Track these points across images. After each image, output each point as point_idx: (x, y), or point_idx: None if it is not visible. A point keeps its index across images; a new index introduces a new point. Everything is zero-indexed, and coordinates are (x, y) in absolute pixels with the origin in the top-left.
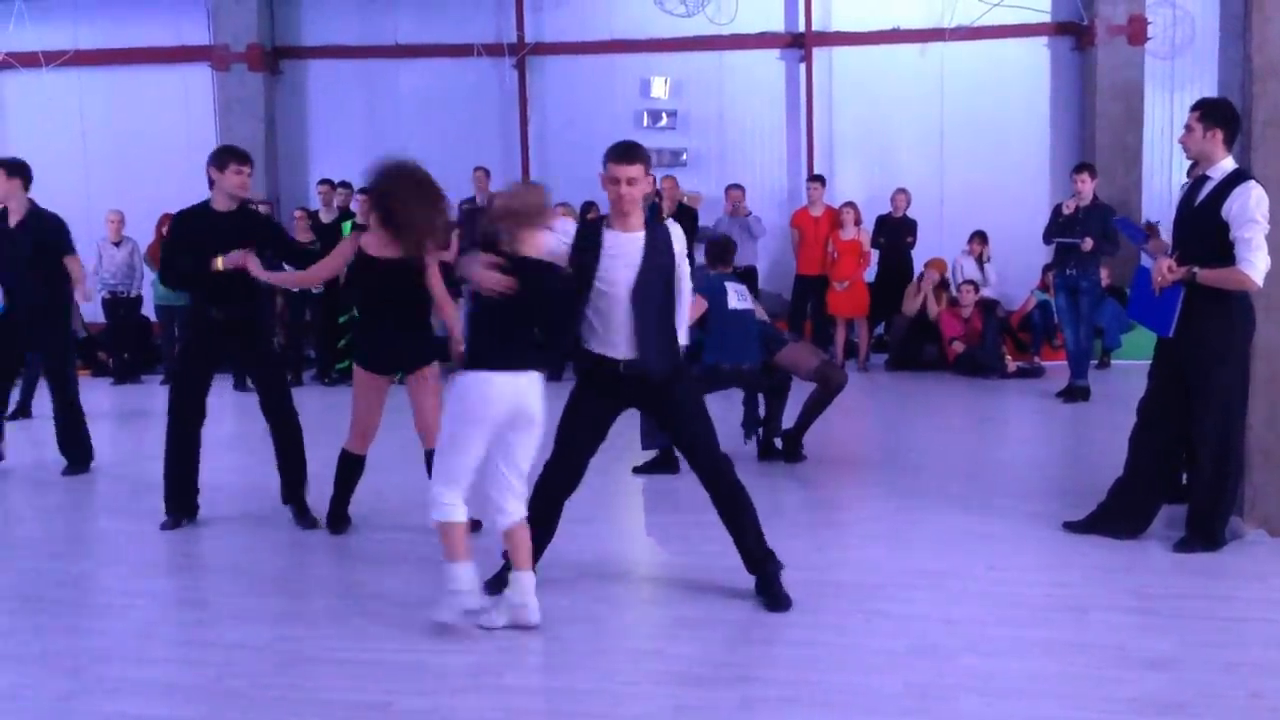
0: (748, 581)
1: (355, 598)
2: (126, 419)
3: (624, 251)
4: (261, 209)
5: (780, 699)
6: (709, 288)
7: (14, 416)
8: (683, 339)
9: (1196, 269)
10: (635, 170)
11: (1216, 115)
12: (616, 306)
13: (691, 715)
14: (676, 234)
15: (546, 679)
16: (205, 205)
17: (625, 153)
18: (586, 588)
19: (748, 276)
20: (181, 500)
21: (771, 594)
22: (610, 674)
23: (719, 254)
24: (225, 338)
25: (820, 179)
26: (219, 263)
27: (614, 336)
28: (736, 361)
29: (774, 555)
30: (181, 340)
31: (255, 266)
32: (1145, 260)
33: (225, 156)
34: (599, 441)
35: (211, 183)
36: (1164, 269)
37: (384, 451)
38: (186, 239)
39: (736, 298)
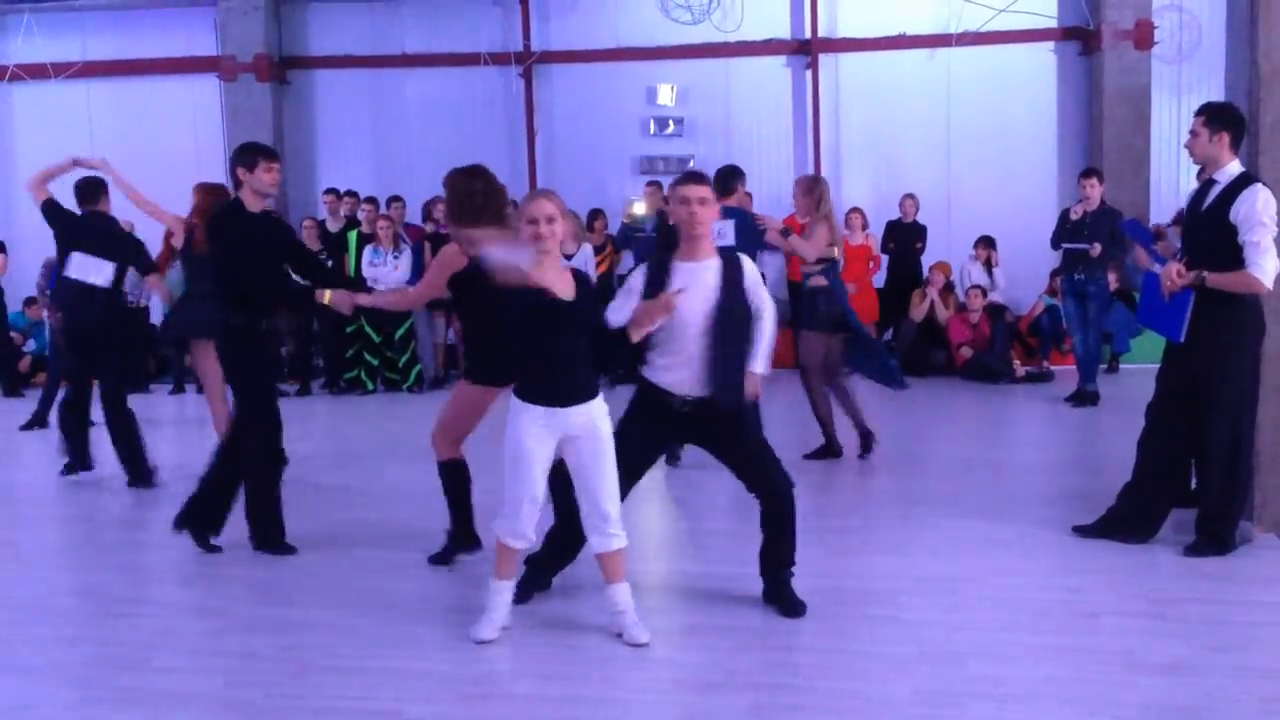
0: (757, 589)
1: (365, 606)
2: None
3: (699, 281)
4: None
5: (790, 706)
6: None
7: (29, 426)
8: (762, 369)
9: (1206, 273)
10: (704, 190)
11: (1222, 118)
12: (688, 339)
13: None
14: (748, 264)
15: (555, 687)
16: (239, 206)
17: (692, 175)
18: (596, 596)
19: None
20: (279, 535)
21: (785, 600)
22: (619, 682)
23: (717, 181)
24: (267, 349)
25: None
26: (326, 297)
27: (682, 371)
28: None
29: (793, 566)
30: (242, 362)
31: (364, 299)
32: (1155, 266)
33: (254, 154)
34: (645, 472)
35: (239, 184)
36: (1173, 274)
37: (392, 461)
38: (235, 242)
39: (716, 237)
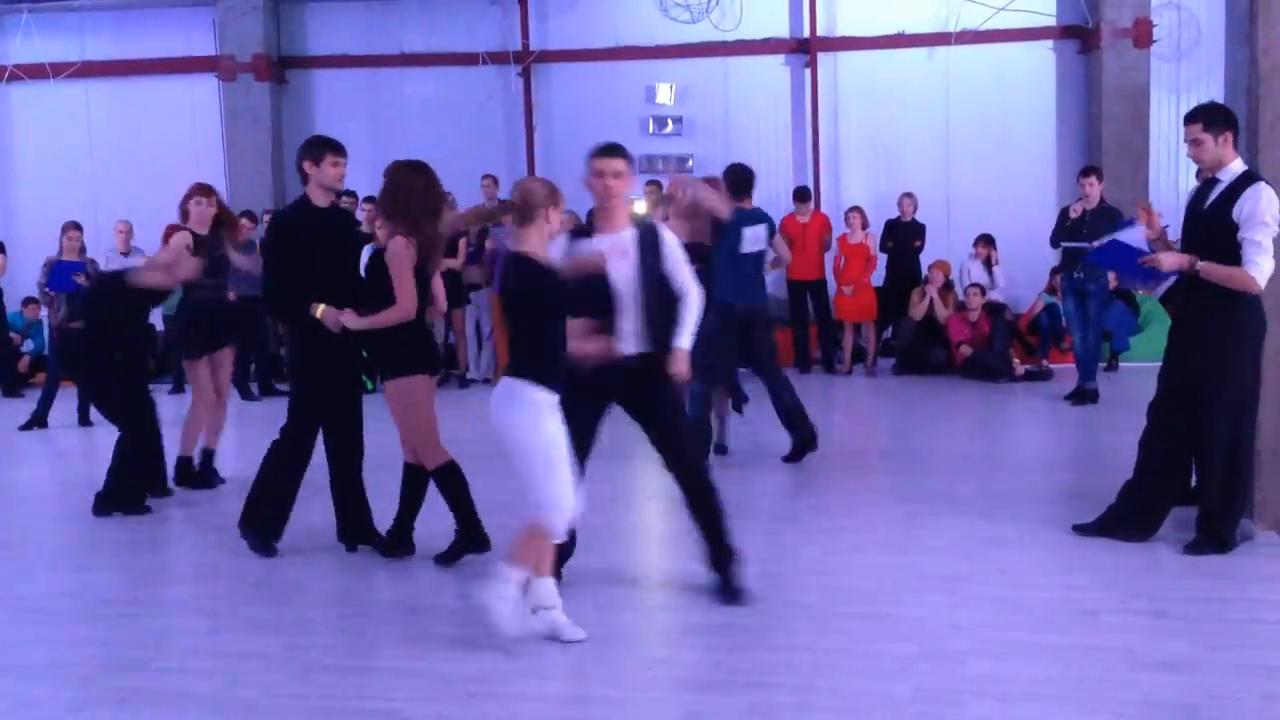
0: (757, 588)
1: (364, 606)
2: None
3: (617, 247)
4: (268, 218)
5: (790, 705)
6: (725, 228)
7: (28, 426)
8: (686, 343)
9: (1199, 261)
10: (619, 164)
11: (1222, 119)
12: (620, 305)
13: None
14: (668, 235)
15: (555, 686)
16: (305, 203)
17: (607, 148)
18: (595, 595)
19: None
20: (279, 529)
21: (730, 591)
22: (620, 681)
23: (739, 184)
24: (343, 349)
25: (805, 196)
26: (319, 310)
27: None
28: (749, 301)
29: (736, 554)
30: (305, 361)
31: (352, 319)
32: (1122, 235)
33: (321, 148)
34: (593, 444)
35: (306, 178)
36: (1167, 259)
37: (391, 460)
38: (294, 241)
39: (750, 241)
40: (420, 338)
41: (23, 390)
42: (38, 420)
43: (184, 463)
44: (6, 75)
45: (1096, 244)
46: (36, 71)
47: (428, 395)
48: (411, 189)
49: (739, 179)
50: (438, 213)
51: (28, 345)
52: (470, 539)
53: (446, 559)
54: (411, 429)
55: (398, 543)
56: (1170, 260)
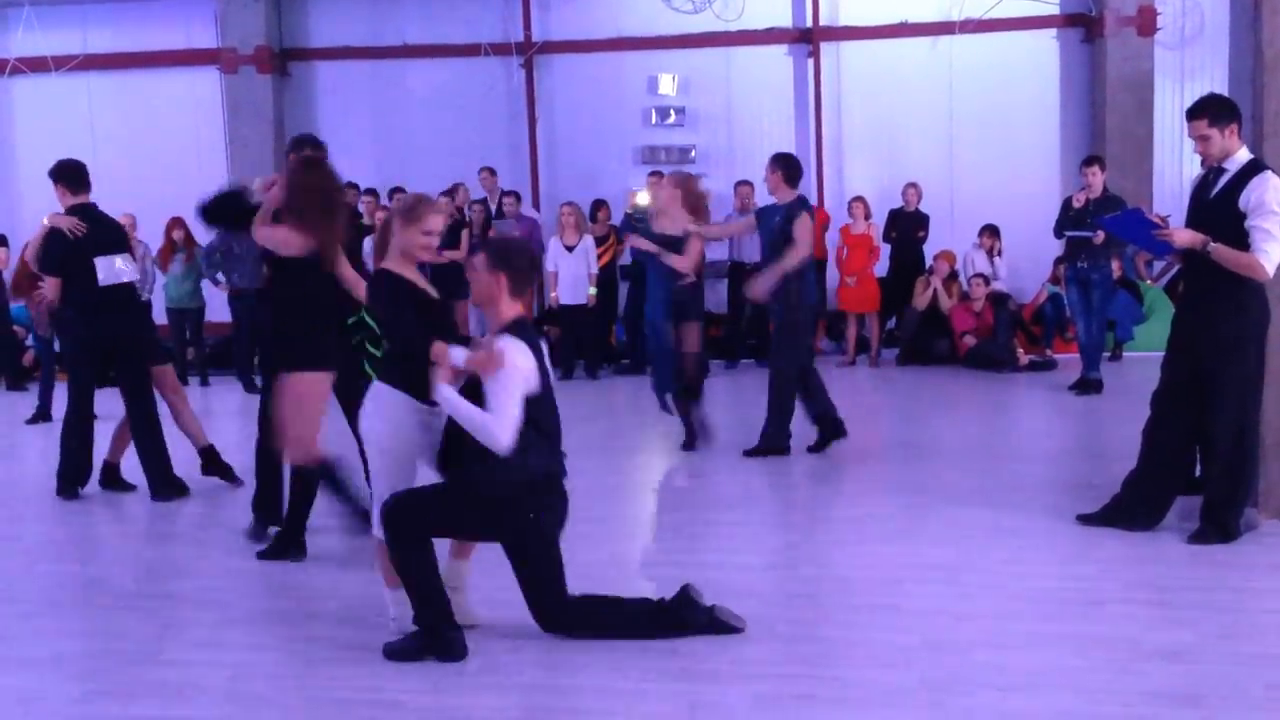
0: (759, 580)
1: (369, 598)
2: None
3: None
4: None
5: (795, 695)
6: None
7: (35, 420)
8: None
9: (1211, 242)
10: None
11: (1227, 112)
12: None
13: (706, 713)
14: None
15: (561, 677)
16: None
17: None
18: (599, 586)
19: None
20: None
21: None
22: (624, 672)
23: (796, 174)
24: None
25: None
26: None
27: None
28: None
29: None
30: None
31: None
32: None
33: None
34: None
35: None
36: (1180, 235)
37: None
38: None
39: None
40: (322, 335)
41: (27, 384)
42: (42, 414)
43: (110, 468)
44: (8, 68)
45: (1108, 216)
46: (38, 64)
47: (326, 393)
48: (308, 188)
49: (797, 170)
50: (333, 212)
51: (31, 339)
52: (292, 542)
53: (268, 554)
54: (293, 419)
55: (285, 545)
56: (1183, 236)
